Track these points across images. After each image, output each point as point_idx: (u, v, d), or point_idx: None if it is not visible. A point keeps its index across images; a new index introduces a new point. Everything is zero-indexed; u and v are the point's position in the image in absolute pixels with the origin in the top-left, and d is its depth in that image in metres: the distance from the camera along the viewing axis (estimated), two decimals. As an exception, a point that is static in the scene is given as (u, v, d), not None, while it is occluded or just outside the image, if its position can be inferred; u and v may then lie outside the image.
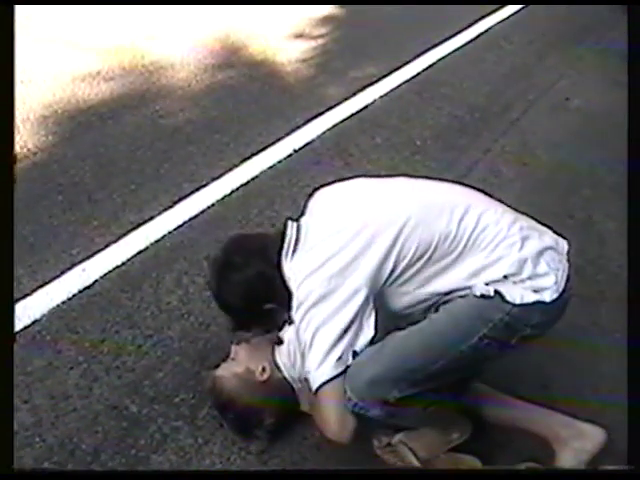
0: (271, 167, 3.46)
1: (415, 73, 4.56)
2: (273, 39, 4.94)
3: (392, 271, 1.81)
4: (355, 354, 1.81)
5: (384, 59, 4.70)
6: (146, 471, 2.05)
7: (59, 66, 4.25)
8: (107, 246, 2.85)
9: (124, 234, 2.92)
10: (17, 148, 3.41)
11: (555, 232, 1.97)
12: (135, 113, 3.85)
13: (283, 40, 4.97)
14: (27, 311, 2.53)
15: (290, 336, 2.06)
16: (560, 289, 1.81)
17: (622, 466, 1.82)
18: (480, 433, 2.07)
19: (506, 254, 1.80)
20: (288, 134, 3.73)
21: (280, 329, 2.13)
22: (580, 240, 2.94)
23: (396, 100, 4.24)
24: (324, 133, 3.79)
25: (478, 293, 1.79)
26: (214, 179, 3.31)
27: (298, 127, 3.80)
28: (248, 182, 3.33)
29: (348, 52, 4.88)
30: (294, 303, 1.84)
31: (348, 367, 1.81)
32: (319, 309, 1.79)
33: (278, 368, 2.11)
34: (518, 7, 5.86)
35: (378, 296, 1.84)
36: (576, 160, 3.75)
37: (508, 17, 5.69)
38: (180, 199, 3.16)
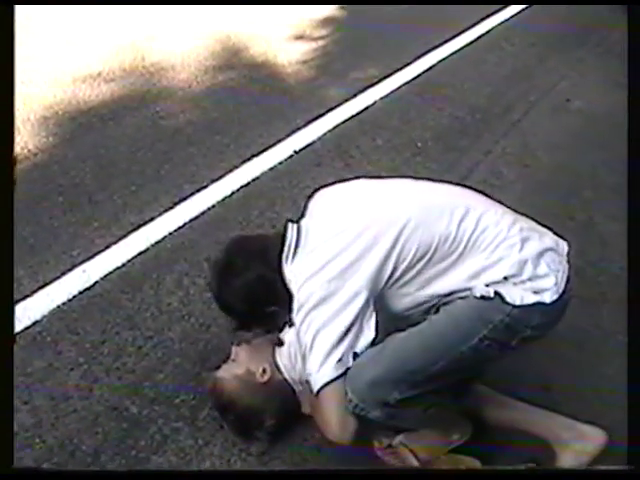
0: (272, 168, 3.46)
1: (416, 74, 4.56)
2: (274, 40, 4.94)
3: (392, 273, 1.81)
4: (356, 356, 1.81)
5: (385, 60, 4.70)
6: (146, 471, 2.04)
7: (60, 67, 4.25)
8: (107, 247, 2.86)
9: (124, 235, 2.92)
10: (18, 149, 3.42)
11: (555, 233, 1.97)
12: (136, 114, 3.85)
13: (284, 41, 4.97)
14: (27, 312, 2.53)
15: (291, 338, 2.06)
16: (560, 290, 1.81)
17: (622, 466, 1.82)
18: (480, 434, 2.06)
19: (506, 255, 1.80)
20: (289, 135, 3.73)
21: (281, 331, 2.13)
22: (581, 241, 2.94)
23: (397, 101, 4.23)
24: (325, 134, 3.79)
25: (478, 294, 1.79)
26: (214, 180, 3.32)
27: (299, 128, 3.81)
28: (249, 183, 3.33)
29: (349, 53, 4.89)
30: (295, 305, 1.84)
31: (349, 369, 1.81)
32: (319, 311, 1.79)
33: (279, 370, 2.11)
34: (519, 8, 5.86)
35: (378, 298, 1.84)
36: (577, 161, 3.75)
37: (509, 18, 5.69)
38: (181, 200, 3.16)
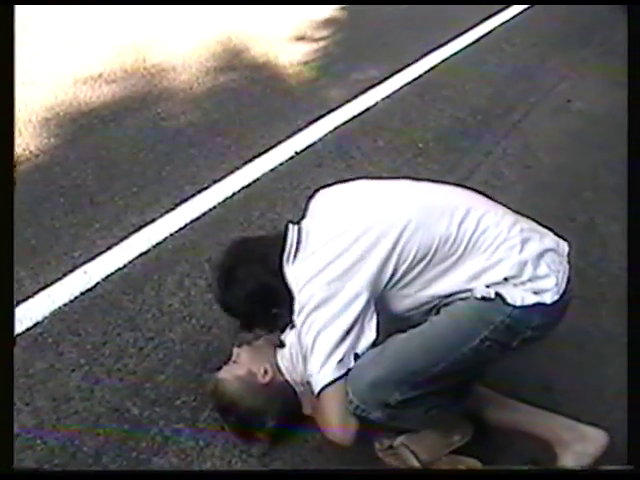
0: (273, 169, 3.46)
1: (417, 75, 4.56)
2: (275, 41, 4.95)
3: (393, 274, 1.81)
4: (357, 357, 1.81)
5: (386, 61, 4.70)
6: (148, 472, 2.04)
7: (61, 68, 4.26)
8: (109, 248, 2.86)
9: (126, 236, 2.93)
10: (19, 150, 3.42)
11: (556, 234, 1.97)
12: (137, 116, 3.86)
13: (285, 42, 4.97)
14: (29, 313, 2.53)
15: (292, 339, 2.06)
16: (561, 291, 1.81)
17: (622, 466, 1.82)
18: (482, 436, 2.06)
19: (506, 256, 1.80)
20: (290, 136, 3.73)
21: (282, 332, 2.13)
22: (582, 242, 2.94)
23: (398, 102, 4.23)
24: (326, 135, 3.79)
25: (479, 295, 1.79)
26: (216, 181, 3.32)
27: (300, 129, 3.81)
28: (250, 184, 3.33)
29: (350, 54, 4.89)
30: (296, 307, 1.84)
31: (350, 370, 1.81)
32: (320, 313, 1.79)
33: (280, 371, 2.11)
34: (520, 9, 5.86)
35: (379, 299, 1.84)
36: (578, 162, 3.75)
37: (510, 19, 5.69)
38: (182, 201, 3.16)
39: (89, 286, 2.68)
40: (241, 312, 2.08)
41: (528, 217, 1.98)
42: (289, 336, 2.08)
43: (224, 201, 3.19)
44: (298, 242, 1.91)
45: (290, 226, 1.96)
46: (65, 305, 2.59)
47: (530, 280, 1.79)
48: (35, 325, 2.50)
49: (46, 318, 2.53)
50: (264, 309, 1.99)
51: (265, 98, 4.19)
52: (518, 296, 1.78)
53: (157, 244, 2.90)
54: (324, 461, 2.10)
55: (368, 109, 4.11)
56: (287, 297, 1.87)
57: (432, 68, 4.69)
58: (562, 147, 3.91)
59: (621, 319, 2.22)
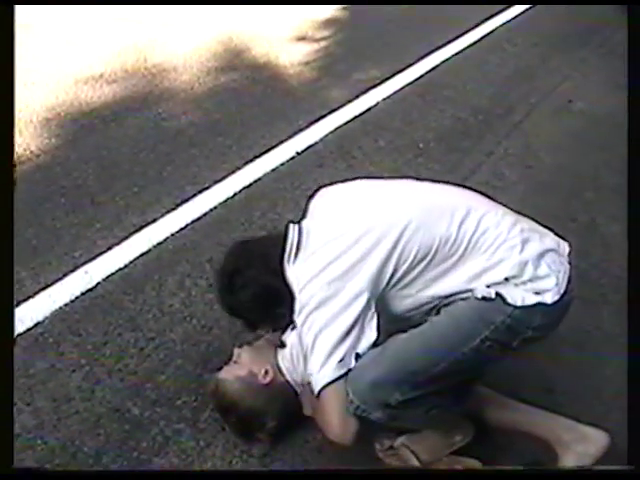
0: (274, 170, 3.46)
1: (418, 75, 4.56)
2: (276, 42, 4.95)
3: (393, 274, 1.81)
4: (358, 357, 1.81)
5: (387, 61, 4.70)
6: (148, 472, 2.04)
7: (62, 68, 4.26)
8: (110, 248, 2.86)
9: (127, 237, 2.93)
10: (20, 151, 3.42)
11: (557, 234, 1.97)
12: (138, 116, 3.86)
13: (286, 43, 4.98)
14: (29, 313, 2.53)
15: (292, 340, 2.06)
16: (561, 291, 1.81)
17: (622, 466, 1.81)
18: (482, 436, 2.06)
19: (507, 256, 1.80)
20: (291, 137, 3.73)
21: (283, 332, 2.13)
22: (583, 243, 2.94)
23: (399, 103, 4.24)
24: (327, 136, 3.79)
25: (479, 295, 1.79)
26: (217, 182, 3.32)
27: (301, 130, 3.81)
28: (251, 185, 3.33)
29: (351, 54, 4.89)
30: (296, 307, 1.84)
31: (350, 370, 1.81)
32: (321, 313, 1.79)
33: (280, 372, 2.11)
34: (521, 9, 5.86)
35: (380, 300, 1.84)
36: (579, 163, 3.75)
37: (511, 19, 5.69)
38: (183, 202, 3.16)
39: (90, 286, 2.68)
40: (246, 314, 2.10)
41: (529, 217, 1.98)
42: (290, 337, 2.09)
43: (225, 201, 3.19)
44: (299, 242, 1.91)
45: (290, 226, 1.96)
46: (66, 305, 2.59)
47: (531, 280, 1.79)
48: (36, 325, 2.50)
49: (47, 318, 2.53)
50: (268, 310, 2.00)
51: (266, 98, 4.19)
52: (519, 296, 1.78)
53: (158, 244, 2.90)
54: (325, 461, 2.10)
55: (369, 109, 4.11)
56: (290, 297, 1.87)
57: (433, 68, 4.69)
58: (563, 147, 3.91)
59: (622, 320, 2.21)
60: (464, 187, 2.08)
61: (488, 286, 1.79)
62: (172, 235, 2.96)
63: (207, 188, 3.26)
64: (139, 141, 3.63)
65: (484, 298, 1.79)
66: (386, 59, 4.77)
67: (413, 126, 3.99)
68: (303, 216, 2.05)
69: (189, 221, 3.04)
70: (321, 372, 1.81)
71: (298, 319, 1.84)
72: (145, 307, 2.61)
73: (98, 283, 2.69)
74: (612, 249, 3.04)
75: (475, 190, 2.07)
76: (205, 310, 2.60)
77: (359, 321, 1.79)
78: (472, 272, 1.80)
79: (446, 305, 1.86)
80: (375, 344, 1.82)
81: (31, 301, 2.58)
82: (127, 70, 4.33)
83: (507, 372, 2.13)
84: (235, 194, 3.25)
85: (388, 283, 1.82)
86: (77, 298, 2.62)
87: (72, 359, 2.39)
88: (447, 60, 4.84)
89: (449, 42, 5.08)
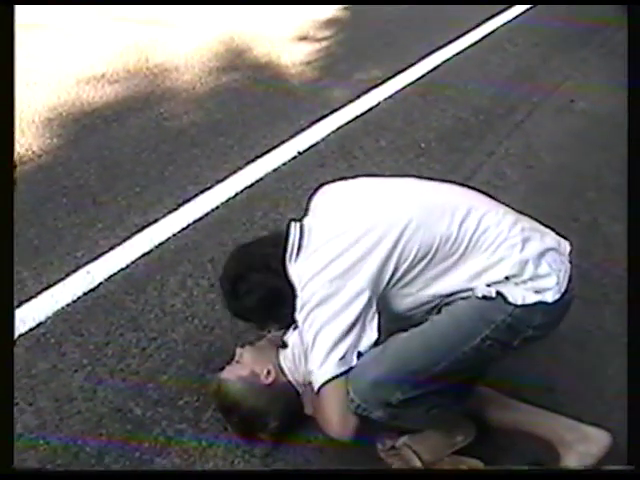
0: (275, 169, 3.46)
1: (419, 75, 4.57)
2: (277, 42, 4.95)
3: (394, 273, 1.81)
4: (359, 355, 1.81)
5: (388, 61, 4.70)
6: (150, 472, 2.05)
7: (63, 69, 4.27)
8: (111, 249, 2.86)
9: (128, 237, 2.93)
10: (22, 151, 3.43)
11: (558, 234, 1.97)
12: (139, 116, 3.86)
13: (287, 42, 4.98)
14: (32, 314, 2.54)
15: (294, 340, 2.06)
16: (562, 290, 1.81)
17: (622, 466, 1.82)
18: (484, 436, 2.06)
19: (507, 255, 1.80)
20: (292, 136, 3.73)
21: (285, 333, 2.13)
22: (585, 243, 2.94)
23: (400, 102, 4.24)
24: (328, 135, 3.79)
25: (480, 294, 1.79)
26: (218, 182, 3.32)
27: (302, 129, 3.81)
28: (252, 185, 3.33)
29: (352, 54, 4.89)
30: (298, 304, 1.84)
31: (352, 368, 1.81)
32: (322, 310, 1.79)
33: (282, 372, 2.11)
34: (522, 9, 5.85)
35: (381, 298, 1.84)
36: (581, 163, 3.75)
37: (512, 19, 5.68)
38: (184, 202, 3.16)
39: (92, 286, 2.68)
40: (254, 318, 2.12)
41: (530, 217, 1.98)
42: (291, 337, 2.09)
43: (227, 201, 3.20)
44: (300, 240, 1.91)
45: (292, 224, 1.97)
46: (68, 305, 2.59)
47: (531, 279, 1.79)
48: (38, 325, 2.50)
49: (49, 318, 2.53)
50: (274, 311, 2.00)
51: (268, 98, 4.19)
52: (519, 295, 1.78)
53: (160, 244, 2.91)
54: (326, 461, 2.10)
55: (371, 109, 4.11)
56: (293, 296, 1.88)
57: (434, 68, 4.69)
58: (565, 147, 3.90)
59: (624, 320, 2.21)
60: (465, 186, 2.08)
61: (489, 285, 1.79)
62: (174, 235, 2.96)
63: (209, 188, 3.27)
64: (141, 141, 3.64)
65: (485, 297, 1.79)
66: (387, 59, 4.77)
67: (414, 126, 3.99)
68: (305, 214, 2.05)
69: (191, 221, 3.05)
70: (322, 369, 1.81)
71: (299, 316, 1.84)
72: (147, 307, 2.61)
73: (100, 283, 2.70)
74: (614, 249, 3.04)
75: (476, 190, 2.07)
76: (207, 310, 2.60)
77: (360, 319, 1.79)
78: (473, 271, 1.81)
79: (447, 304, 1.86)
80: (376, 343, 1.82)
81: (33, 301, 2.59)
82: (129, 70, 4.33)
83: (508, 372, 2.13)
84: (237, 194, 3.25)
85: (389, 282, 1.82)
86: (79, 298, 2.63)
87: (74, 359, 2.39)
88: (448, 60, 4.84)
89: (450, 42, 5.08)
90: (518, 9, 5.85)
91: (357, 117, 4.01)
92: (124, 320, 2.55)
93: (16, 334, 2.43)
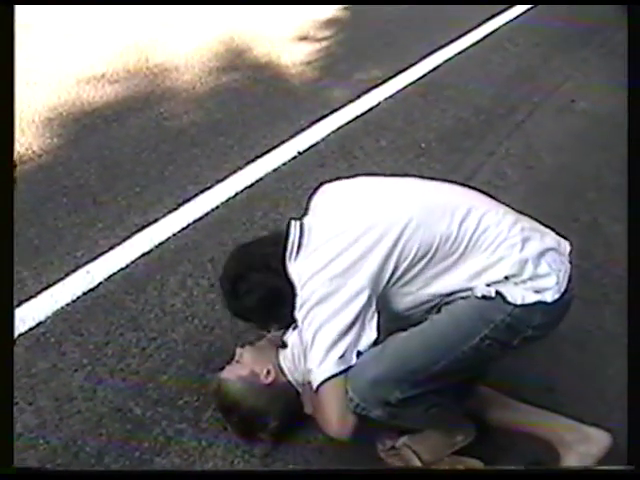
0: (275, 169, 3.46)
1: (420, 75, 4.56)
2: (277, 41, 4.95)
3: (394, 272, 1.81)
4: (359, 354, 1.81)
5: (389, 61, 4.70)
6: (150, 472, 2.04)
7: (64, 68, 4.27)
8: (111, 248, 2.86)
9: (128, 236, 2.93)
10: (22, 150, 3.43)
11: (558, 234, 1.97)
12: (140, 115, 3.86)
13: (287, 42, 4.97)
14: (31, 313, 2.54)
15: (293, 340, 2.06)
16: (562, 289, 1.81)
17: (622, 466, 1.81)
18: (484, 436, 2.06)
19: (507, 255, 1.80)
20: (292, 136, 3.73)
21: (284, 333, 2.13)
22: (585, 243, 2.94)
23: (401, 102, 4.23)
24: (329, 135, 3.79)
25: (479, 294, 1.79)
26: (218, 181, 3.32)
27: (302, 129, 3.81)
28: (252, 184, 3.33)
29: (353, 54, 4.89)
30: (297, 303, 1.84)
31: (351, 367, 1.81)
32: (322, 308, 1.79)
33: (282, 372, 2.11)
34: (523, 9, 5.85)
35: (381, 297, 1.84)
36: (581, 163, 3.75)
37: (513, 19, 5.68)
38: (184, 201, 3.16)
39: (92, 286, 2.68)
40: (254, 317, 2.12)
41: (530, 217, 1.98)
42: (291, 337, 2.09)
43: (227, 201, 3.20)
44: (300, 239, 1.91)
45: (292, 223, 1.97)
46: (68, 305, 2.59)
47: (531, 279, 1.79)
48: (38, 325, 2.50)
49: (49, 318, 2.53)
50: (275, 311, 2.00)
51: (268, 98, 4.19)
52: (519, 295, 1.78)
53: (160, 244, 2.91)
54: (326, 462, 2.10)
55: (371, 109, 4.11)
56: (293, 295, 1.88)
57: (435, 68, 4.68)
58: (565, 147, 3.90)
59: (624, 320, 2.21)
60: (465, 186, 2.08)
61: (488, 285, 1.79)
62: (174, 235, 2.96)
63: (209, 188, 3.27)
64: (141, 141, 3.64)
65: (484, 297, 1.79)
66: (387, 59, 4.77)
67: (415, 126, 3.99)
68: (305, 213, 2.05)
69: (191, 221, 3.05)
70: (321, 367, 1.81)
71: (299, 314, 1.84)
72: (147, 307, 2.61)
73: (100, 283, 2.70)
74: (614, 249, 3.04)
75: (476, 189, 2.07)
76: (207, 310, 2.60)
77: (360, 318, 1.79)
78: (473, 270, 1.81)
79: (446, 304, 1.86)
80: (375, 342, 1.82)
81: (33, 301, 2.59)
82: (129, 70, 4.33)
83: (508, 372, 2.13)
84: (237, 194, 3.25)
85: (389, 281, 1.82)
86: (79, 298, 2.63)
87: (74, 359, 2.39)
88: (449, 60, 4.83)
89: (451, 42, 5.07)
90: (519, 9, 5.84)
91: (357, 117, 4.00)
92: (124, 320, 2.55)
93: (16, 333, 2.44)
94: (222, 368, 2.18)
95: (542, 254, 1.83)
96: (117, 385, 2.31)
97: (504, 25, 5.56)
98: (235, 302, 2.06)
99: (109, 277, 2.72)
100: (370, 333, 1.81)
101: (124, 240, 2.91)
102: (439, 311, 1.87)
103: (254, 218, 3.10)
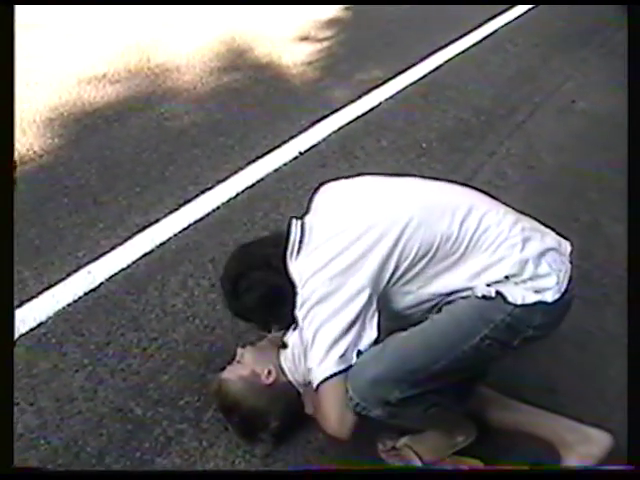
0: (276, 170, 3.46)
1: (421, 76, 4.56)
2: (278, 41, 4.95)
3: (394, 271, 1.81)
4: (359, 354, 1.81)
5: (390, 62, 4.70)
6: (151, 472, 2.04)
7: (65, 69, 4.27)
8: (113, 248, 2.86)
9: (129, 236, 2.93)
10: (23, 150, 3.43)
11: (559, 234, 1.97)
12: (141, 116, 3.87)
13: (288, 42, 4.98)
14: (32, 313, 2.54)
15: (294, 340, 2.06)
16: (562, 290, 1.81)
17: (622, 466, 1.82)
18: (485, 437, 2.06)
19: (507, 255, 1.80)
20: (293, 137, 3.73)
21: (285, 333, 2.13)
22: (586, 243, 2.94)
23: (402, 103, 4.23)
24: (329, 136, 3.79)
25: (479, 294, 1.79)
26: (219, 182, 3.32)
27: (303, 130, 3.81)
28: (253, 185, 3.33)
29: (354, 55, 4.89)
30: (298, 302, 1.84)
31: (351, 366, 1.81)
32: (322, 307, 1.79)
33: (283, 372, 2.11)
34: (523, 10, 5.85)
35: (381, 296, 1.84)
36: (581, 163, 3.74)
37: (513, 20, 5.68)
38: (185, 202, 3.16)
39: (93, 286, 2.68)
40: (255, 317, 2.12)
41: (531, 217, 1.98)
42: (291, 337, 2.09)
43: (228, 201, 3.20)
44: (301, 238, 1.91)
45: (293, 221, 1.97)
46: (69, 305, 2.59)
47: (531, 279, 1.79)
48: (39, 325, 2.50)
49: (50, 318, 2.53)
50: (275, 310, 2.00)
51: (269, 98, 4.19)
52: (519, 295, 1.78)
53: (161, 244, 2.91)
54: (326, 462, 2.10)
55: (372, 109, 4.11)
56: (294, 294, 1.88)
57: (436, 69, 4.69)
58: (566, 147, 3.90)
59: (625, 321, 2.21)
60: (466, 186, 2.08)
61: (488, 285, 1.79)
62: (175, 235, 2.96)
63: (210, 188, 3.27)
64: (142, 141, 3.64)
65: (484, 297, 1.79)
66: (388, 59, 4.77)
67: (415, 126, 3.99)
68: (306, 212, 2.05)
69: (192, 221, 3.05)
70: (321, 366, 1.81)
71: (299, 313, 1.84)
72: (148, 307, 2.61)
73: (101, 283, 2.70)
74: (615, 249, 3.04)
75: (477, 189, 2.07)
76: (208, 310, 2.60)
77: (360, 317, 1.79)
78: (473, 270, 1.81)
79: (447, 303, 1.86)
80: (375, 342, 1.82)
81: (34, 301, 2.59)
82: (130, 70, 4.33)
83: (510, 373, 2.13)
84: (238, 194, 3.25)
85: (389, 280, 1.82)
86: (80, 298, 2.63)
87: (75, 359, 2.39)
88: (449, 60, 4.83)
89: (451, 42, 5.07)
90: (519, 9, 5.84)
91: (358, 117, 4.00)
92: (125, 320, 2.55)
93: (17, 334, 2.44)
94: (223, 368, 2.18)
95: (543, 254, 1.83)
96: (118, 385, 2.31)
97: (505, 25, 5.56)
98: (236, 302, 2.06)
99: (110, 277, 2.73)
100: (371, 332, 1.81)
101: (125, 240, 2.91)
102: (439, 311, 1.87)
103: (255, 218, 3.10)
